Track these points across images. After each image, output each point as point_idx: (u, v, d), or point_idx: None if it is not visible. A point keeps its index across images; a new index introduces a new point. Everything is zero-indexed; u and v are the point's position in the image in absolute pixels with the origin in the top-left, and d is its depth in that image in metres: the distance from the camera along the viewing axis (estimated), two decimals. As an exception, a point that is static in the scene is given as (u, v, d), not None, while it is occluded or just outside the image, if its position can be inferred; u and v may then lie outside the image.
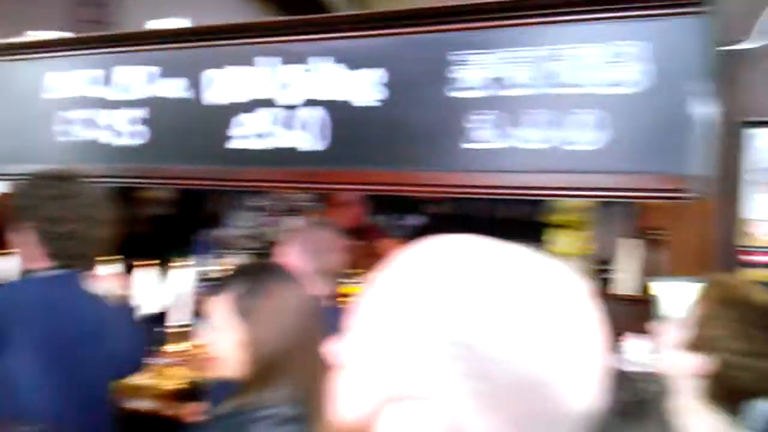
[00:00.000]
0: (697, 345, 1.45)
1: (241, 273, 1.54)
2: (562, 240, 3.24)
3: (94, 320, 1.78)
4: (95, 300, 1.82)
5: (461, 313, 0.58)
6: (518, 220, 3.88)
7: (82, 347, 1.74)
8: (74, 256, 1.73)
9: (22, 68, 2.62)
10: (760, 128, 3.60)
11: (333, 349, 0.67)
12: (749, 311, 1.41)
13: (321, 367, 1.39)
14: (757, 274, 3.57)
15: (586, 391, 0.59)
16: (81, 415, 1.68)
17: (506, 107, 1.84)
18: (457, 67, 1.90)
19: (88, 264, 1.80)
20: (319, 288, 2.00)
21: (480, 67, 1.87)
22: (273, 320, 1.45)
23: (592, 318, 0.61)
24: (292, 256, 2.22)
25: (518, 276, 0.59)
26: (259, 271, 1.53)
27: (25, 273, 1.77)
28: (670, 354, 1.51)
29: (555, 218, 3.31)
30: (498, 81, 1.85)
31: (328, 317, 1.37)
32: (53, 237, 1.70)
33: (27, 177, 1.81)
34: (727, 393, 1.43)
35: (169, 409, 2.31)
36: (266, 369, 1.42)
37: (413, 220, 3.72)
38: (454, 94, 1.90)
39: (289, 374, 1.42)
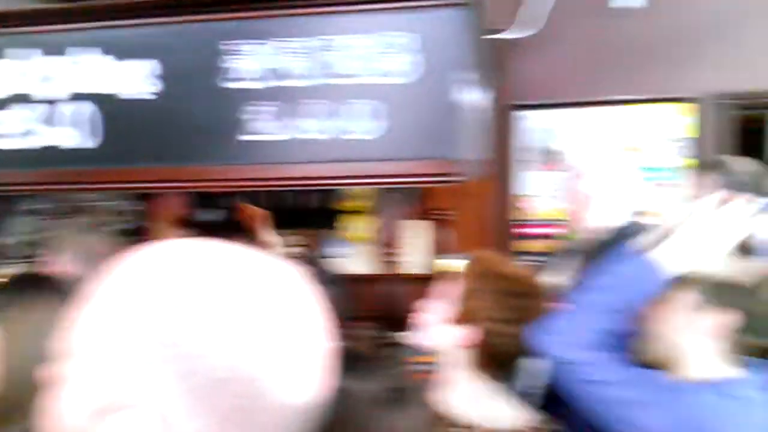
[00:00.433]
0: (461, 318, 1.54)
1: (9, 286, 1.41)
2: (354, 226, 3.33)
3: None
4: None
5: (168, 313, 0.57)
6: (313, 208, 3.91)
7: None
8: None
9: None
10: (528, 111, 3.91)
11: (45, 368, 0.65)
12: (504, 282, 1.52)
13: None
14: (530, 245, 3.90)
15: (301, 384, 0.60)
16: None
17: (283, 98, 1.83)
18: (232, 57, 1.86)
19: None
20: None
21: (255, 58, 1.84)
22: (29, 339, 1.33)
23: (308, 312, 0.62)
24: (63, 262, 2.08)
25: (224, 274, 0.60)
26: (25, 285, 1.41)
27: None
28: (438, 329, 1.59)
29: (347, 205, 3.38)
30: (274, 72, 1.84)
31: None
32: None
33: None
34: (491, 360, 1.53)
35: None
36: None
37: (210, 215, 3.62)
38: (230, 85, 1.86)
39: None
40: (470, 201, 3.45)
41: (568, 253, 2.75)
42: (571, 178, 2.79)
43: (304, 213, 3.52)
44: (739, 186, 2.51)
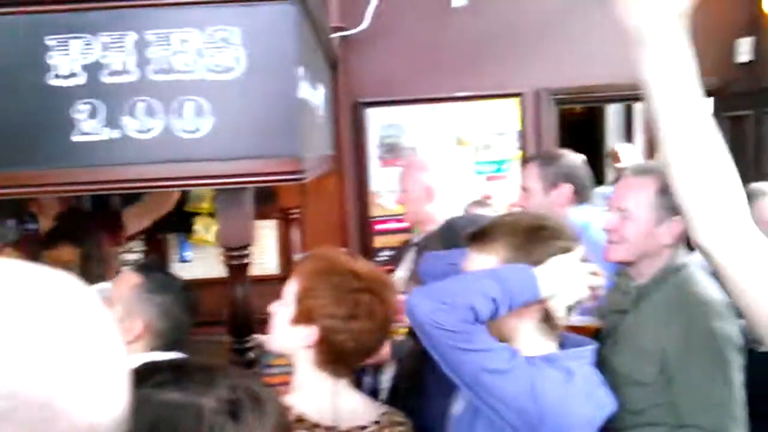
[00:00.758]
0: (301, 317, 1.52)
1: None
2: (203, 228, 3.22)
3: None
4: None
5: None
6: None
7: None
8: None
9: None
10: (373, 108, 3.95)
11: None
12: (342, 278, 1.52)
13: None
14: (386, 240, 3.93)
15: (98, 402, 0.56)
16: None
17: (109, 95, 1.72)
18: (53, 53, 1.72)
19: None
20: None
21: (78, 53, 1.72)
22: None
23: (97, 328, 0.58)
24: None
25: (5, 293, 0.55)
26: None
27: None
28: (281, 330, 1.56)
29: (195, 206, 3.27)
30: (98, 67, 1.72)
31: None
32: None
33: None
34: (336, 357, 1.52)
35: None
36: None
37: (31, 224, 3.36)
38: (52, 82, 1.72)
39: None
40: (320, 199, 3.44)
41: (408, 247, 2.80)
42: (407, 172, 2.84)
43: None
44: (563, 177, 2.66)
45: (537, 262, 1.42)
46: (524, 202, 2.74)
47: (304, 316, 1.52)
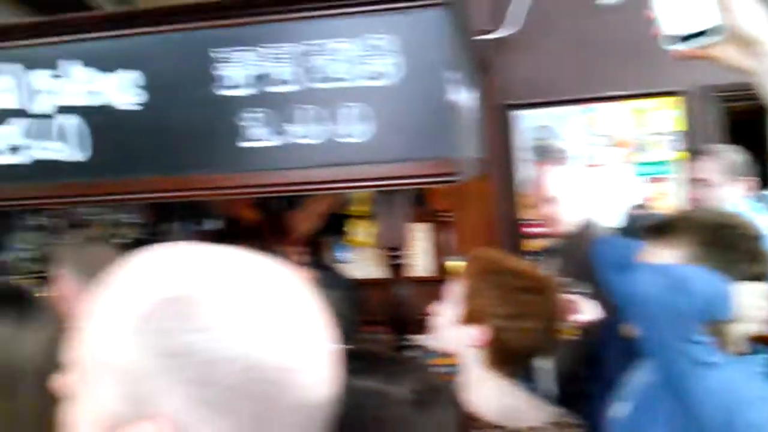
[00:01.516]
0: (469, 317, 1.52)
1: None
2: (360, 230, 3.31)
3: None
4: None
5: (177, 322, 0.55)
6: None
7: None
8: None
9: None
10: (523, 110, 3.89)
11: (58, 381, 0.63)
12: (507, 278, 1.51)
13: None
14: (538, 244, 3.86)
15: (317, 382, 0.59)
16: None
17: (275, 104, 1.81)
18: (220, 65, 1.84)
19: None
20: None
21: (244, 65, 1.82)
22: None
23: (316, 312, 0.61)
24: (64, 275, 2.07)
25: (231, 278, 0.58)
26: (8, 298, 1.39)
27: None
28: (448, 331, 1.58)
29: (352, 210, 3.36)
30: (263, 78, 1.81)
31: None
32: None
33: None
34: (505, 357, 1.51)
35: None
36: None
37: (210, 225, 3.61)
38: (219, 93, 1.84)
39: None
40: (472, 201, 3.43)
41: (555, 251, 2.73)
42: (544, 174, 2.77)
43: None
44: (743, 170, 2.57)
45: (722, 264, 1.33)
46: (701, 195, 2.65)
47: (472, 316, 1.52)
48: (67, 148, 1.94)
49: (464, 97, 2.21)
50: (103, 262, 2.01)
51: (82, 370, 0.58)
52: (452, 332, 1.56)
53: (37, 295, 1.41)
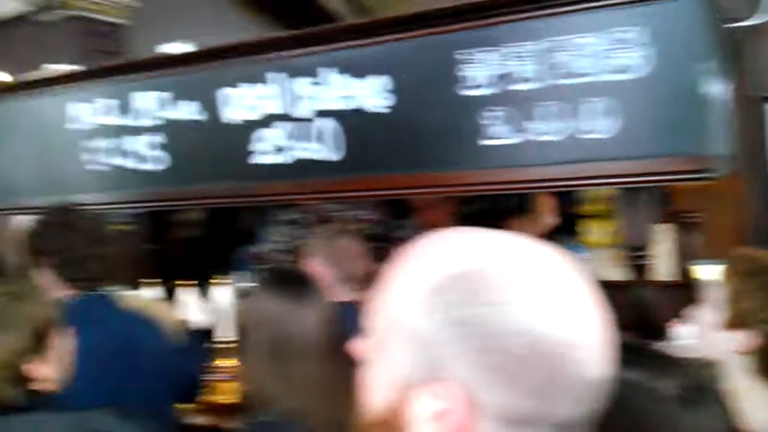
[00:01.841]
0: (734, 322, 1.43)
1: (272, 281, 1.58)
2: (595, 230, 3.21)
3: (127, 335, 1.87)
4: (130, 317, 1.91)
5: (469, 294, 0.60)
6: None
7: (121, 362, 1.82)
8: (90, 280, 1.87)
9: (44, 102, 2.70)
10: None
11: (355, 346, 0.71)
12: None
13: (342, 373, 1.42)
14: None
15: (599, 359, 0.61)
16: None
17: (516, 102, 1.84)
18: (464, 66, 1.90)
19: (111, 283, 1.95)
20: (344, 295, 2.02)
21: (486, 65, 1.87)
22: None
23: (592, 292, 0.63)
24: (315, 265, 2.24)
25: (518, 256, 0.62)
26: (287, 279, 1.56)
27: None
28: (711, 336, 1.50)
29: (586, 209, 3.28)
30: (506, 77, 1.85)
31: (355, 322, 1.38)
32: (65, 265, 1.85)
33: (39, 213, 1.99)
34: None
35: (225, 423, 2.38)
36: None
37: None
38: (463, 93, 1.90)
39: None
40: (720, 202, 3.19)
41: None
42: None
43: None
44: None
45: None
46: None
47: (736, 321, 1.44)
48: (323, 148, 2.12)
49: (716, 89, 2.08)
50: (348, 253, 2.18)
51: (379, 337, 0.66)
52: (715, 338, 1.48)
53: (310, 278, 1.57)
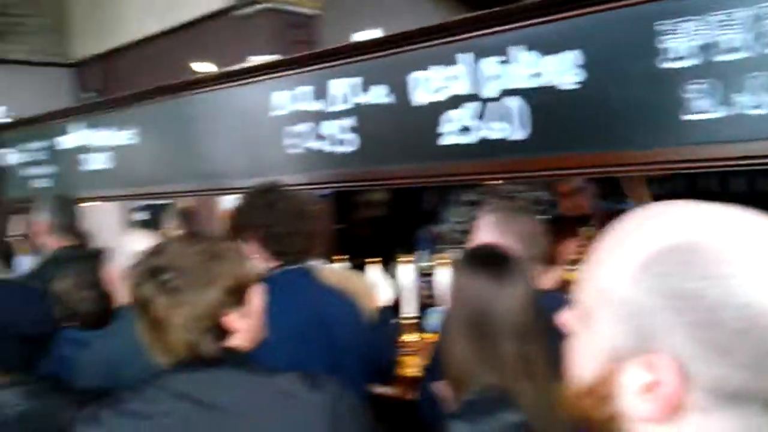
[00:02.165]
0: None
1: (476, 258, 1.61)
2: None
3: (324, 308, 2.00)
4: (327, 290, 2.04)
5: (684, 263, 0.60)
6: (754, 193, 3.58)
7: (315, 333, 1.94)
8: (292, 253, 2.03)
9: (247, 91, 2.92)
10: None
11: (564, 318, 0.72)
12: None
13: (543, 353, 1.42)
14: None
15: None
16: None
17: (721, 74, 1.72)
18: (664, 37, 1.81)
19: (309, 258, 2.11)
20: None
21: (689, 35, 1.77)
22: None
23: None
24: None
25: (738, 227, 0.61)
26: (489, 258, 1.59)
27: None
28: None
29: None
30: (710, 47, 1.74)
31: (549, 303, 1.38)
32: (270, 239, 2.01)
33: (245, 193, 2.18)
34: None
35: (410, 395, 2.48)
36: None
37: (630, 205, 3.56)
38: (662, 66, 1.81)
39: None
40: None
41: None
42: None
43: (748, 197, 3.24)
44: None
45: None
46: None
47: None
48: (509, 127, 2.12)
49: None
50: (529, 232, 2.16)
51: (588, 309, 0.66)
52: None
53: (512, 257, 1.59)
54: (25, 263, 4.17)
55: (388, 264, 3.51)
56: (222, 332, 1.28)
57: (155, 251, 1.32)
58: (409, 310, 3.19)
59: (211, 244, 1.32)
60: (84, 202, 3.53)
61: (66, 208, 3.10)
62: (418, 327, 3.18)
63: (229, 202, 5.82)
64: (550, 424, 1.34)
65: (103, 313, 2.02)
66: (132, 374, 1.44)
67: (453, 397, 1.51)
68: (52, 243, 3.01)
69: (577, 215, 2.66)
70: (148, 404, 1.24)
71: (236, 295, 1.29)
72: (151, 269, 1.27)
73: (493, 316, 1.47)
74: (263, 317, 1.39)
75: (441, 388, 1.58)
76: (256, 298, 1.36)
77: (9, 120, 4.77)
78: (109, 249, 2.15)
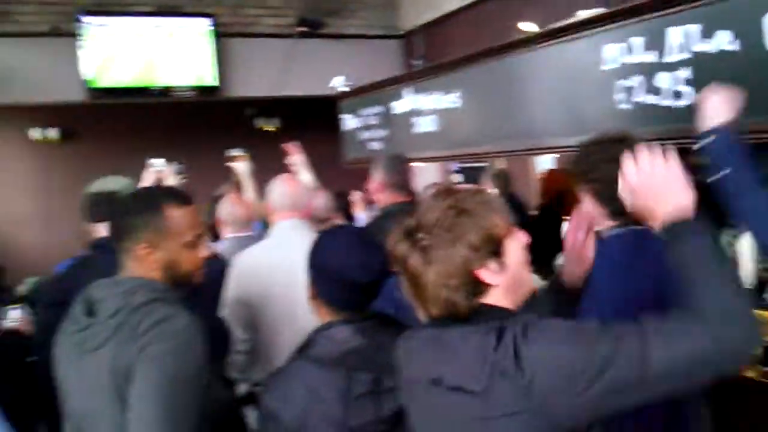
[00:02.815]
0: None
1: None
2: None
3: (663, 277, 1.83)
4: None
5: None
6: None
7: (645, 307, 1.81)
8: (625, 213, 1.79)
9: (577, 46, 2.84)
10: None
11: None
12: None
13: None
14: None
15: None
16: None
17: None
18: None
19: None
20: None
21: None
22: None
23: None
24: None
25: None
26: None
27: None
28: None
29: None
30: None
31: None
32: (609, 197, 1.78)
33: (579, 146, 2.04)
34: None
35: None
36: None
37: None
38: None
39: None
40: None
41: None
42: None
43: None
44: None
45: None
46: None
47: None
48: None
49: None
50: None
51: None
52: None
53: None
54: (361, 219, 4.60)
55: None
56: (478, 288, 1.26)
57: (414, 210, 1.33)
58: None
59: (460, 199, 1.30)
60: (413, 162, 3.76)
61: (398, 167, 3.30)
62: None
63: (545, 162, 5.80)
64: None
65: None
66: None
67: None
68: (386, 199, 3.23)
69: None
70: None
71: (487, 250, 1.26)
72: (405, 228, 1.30)
73: None
74: (524, 271, 1.32)
75: None
76: (515, 251, 1.31)
77: (347, 89, 5.24)
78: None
